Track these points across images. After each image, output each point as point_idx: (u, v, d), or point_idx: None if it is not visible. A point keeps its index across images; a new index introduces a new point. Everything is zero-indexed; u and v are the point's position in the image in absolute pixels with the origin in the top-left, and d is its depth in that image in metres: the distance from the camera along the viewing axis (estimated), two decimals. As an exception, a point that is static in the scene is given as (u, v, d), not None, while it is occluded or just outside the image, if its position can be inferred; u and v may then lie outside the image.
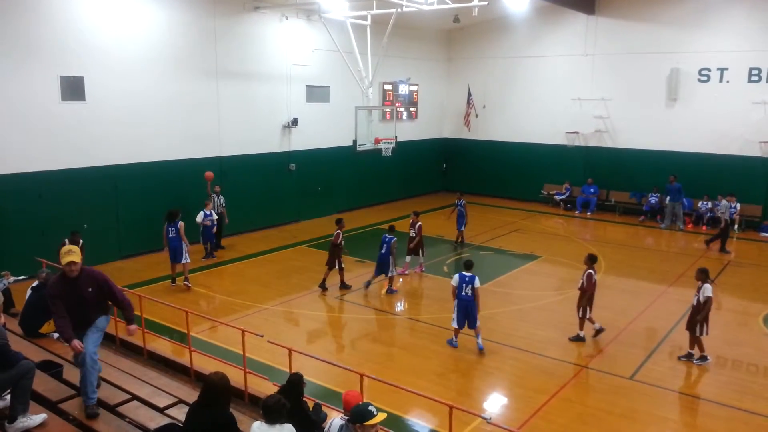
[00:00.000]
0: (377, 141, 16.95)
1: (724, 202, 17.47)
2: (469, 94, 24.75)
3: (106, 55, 14.25)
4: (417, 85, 24.19)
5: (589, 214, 21.90)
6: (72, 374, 7.34)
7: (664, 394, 8.92)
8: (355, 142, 16.47)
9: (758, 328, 11.47)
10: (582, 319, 10.69)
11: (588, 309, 10.64)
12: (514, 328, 11.43)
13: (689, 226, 20.07)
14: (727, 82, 19.73)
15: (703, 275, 9.72)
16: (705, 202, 20.09)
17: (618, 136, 22.01)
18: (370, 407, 4.88)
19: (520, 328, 11.40)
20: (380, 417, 4.85)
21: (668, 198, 19.91)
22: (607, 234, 19.88)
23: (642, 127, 21.35)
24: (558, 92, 22.81)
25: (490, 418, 6.28)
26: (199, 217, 14.85)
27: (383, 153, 17.43)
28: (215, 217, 15.21)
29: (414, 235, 14.18)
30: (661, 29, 20.64)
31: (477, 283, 10.06)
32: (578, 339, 10.69)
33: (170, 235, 12.98)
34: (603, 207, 22.25)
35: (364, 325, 11.82)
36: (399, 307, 12.91)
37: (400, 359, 10.00)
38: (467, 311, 10.09)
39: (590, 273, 10.55)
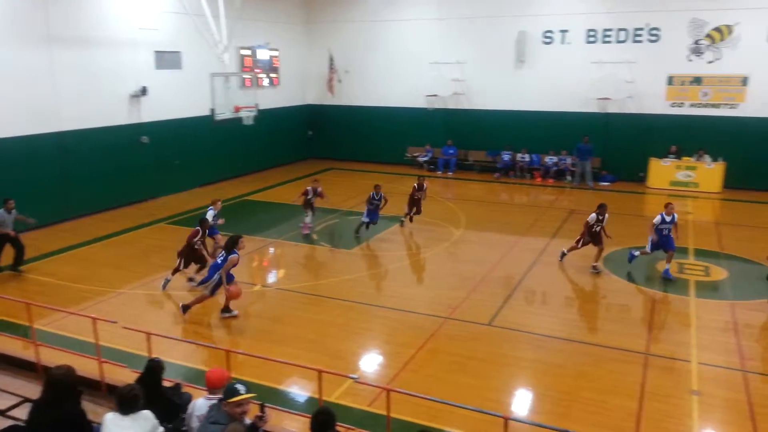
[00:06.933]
0: (237, 109, 16.30)
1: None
2: (331, 59, 24.52)
3: None
4: (277, 50, 23.48)
5: (450, 173, 22.87)
6: None
7: (519, 335, 9.67)
8: (213, 111, 15.73)
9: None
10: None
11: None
12: (381, 288, 11.75)
13: (538, 179, 21.65)
14: (569, 43, 21.26)
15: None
16: (551, 157, 21.74)
17: (474, 98, 22.99)
18: (237, 385, 4.85)
19: (387, 287, 11.74)
20: (248, 395, 4.85)
21: (578, 157, 20.87)
22: (467, 192, 20.90)
23: (494, 88, 22.45)
24: (417, 56, 23.26)
25: (357, 378, 6.45)
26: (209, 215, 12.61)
27: (244, 121, 16.84)
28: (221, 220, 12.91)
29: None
30: (508, -7, 21.67)
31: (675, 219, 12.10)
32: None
33: None
34: (463, 166, 23.33)
35: (235, 301, 11.50)
36: (271, 278, 12.73)
37: (273, 330, 9.89)
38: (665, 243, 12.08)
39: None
